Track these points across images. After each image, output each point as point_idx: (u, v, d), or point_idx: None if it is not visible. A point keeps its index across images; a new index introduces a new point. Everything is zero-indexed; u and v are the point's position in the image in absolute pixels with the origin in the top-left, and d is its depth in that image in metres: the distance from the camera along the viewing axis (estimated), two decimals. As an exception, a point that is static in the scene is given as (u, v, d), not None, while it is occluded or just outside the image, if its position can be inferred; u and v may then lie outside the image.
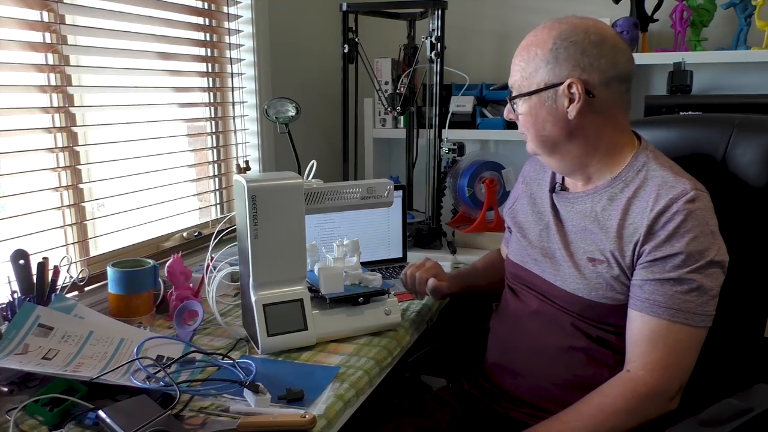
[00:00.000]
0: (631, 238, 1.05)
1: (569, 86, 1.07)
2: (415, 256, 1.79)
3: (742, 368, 1.17)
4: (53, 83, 1.33)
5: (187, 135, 1.79)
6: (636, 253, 1.05)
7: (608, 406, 1.02)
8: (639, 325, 1.04)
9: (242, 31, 1.88)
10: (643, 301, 1.03)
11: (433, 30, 1.80)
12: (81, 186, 1.40)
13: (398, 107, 1.95)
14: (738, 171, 1.17)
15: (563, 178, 1.22)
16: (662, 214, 1.02)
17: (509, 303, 1.28)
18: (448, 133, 1.90)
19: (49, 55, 1.32)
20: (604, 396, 1.04)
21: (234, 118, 1.89)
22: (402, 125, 2.22)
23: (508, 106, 1.17)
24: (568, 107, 1.08)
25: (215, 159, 1.86)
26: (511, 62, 1.14)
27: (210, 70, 1.80)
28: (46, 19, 1.31)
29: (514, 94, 1.14)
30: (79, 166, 1.39)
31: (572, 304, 1.12)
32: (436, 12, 1.79)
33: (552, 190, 1.23)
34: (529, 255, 1.23)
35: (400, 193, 1.72)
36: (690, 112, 1.71)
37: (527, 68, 1.11)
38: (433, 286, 1.37)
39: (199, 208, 1.84)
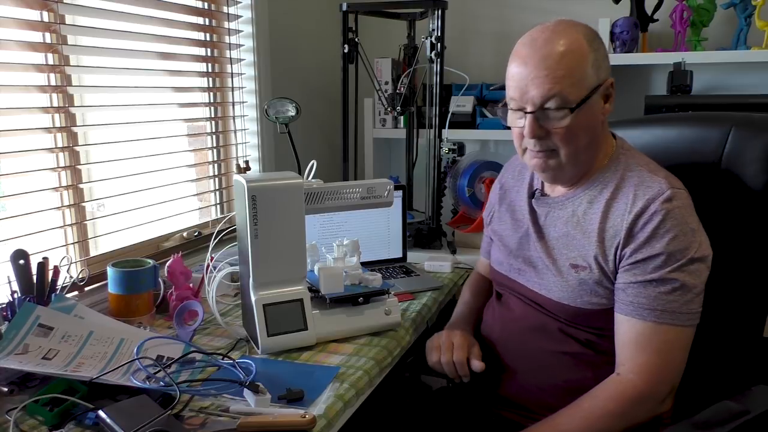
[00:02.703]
0: (612, 242, 1.04)
1: (611, 84, 1.07)
2: (415, 256, 1.80)
3: (741, 368, 1.17)
4: (53, 83, 1.33)
5: (187, 135, 1.79)
6: (617, 257, 1.04)
7: (599, 409, 1.02)
8: (626, 329, 1.03)
9: (242, 31, 1.88)
10: (627, 304, 1.03)
11: (433, 30, 1.80)
12: (81, 186, 1.40)
13: (398, 107, 1.95)
14: (735, 169, 1.17)
15: (542, 183, 1.20)
16: (641, 215, 1.01)
17: (497, 308, 1.27)
18: (448, 133, 1.90)
19: (49, 55, 1.32)
20: (595, 399, 1.04)
21: (234, 118, 1.89)
22: (402, 125, 2.22)
23: (531, 121, 1.03)
24: (605, 105, 1.07)
25: (215, 159, 1.86)
26: (534, 75, 1.02)
27: (210, 70, 1.80)
28: (46, 19, 1.31)
29: (565, 106, 1.01)
30: (79, 166, 1.39)
31: (559, 311, 1.11)
32: (436, 12, 1.79)
33: (531, 196, 1.21)
34: (512, 265, 1.22)
35: (400, 193, 1.72)
36: (690, 112, 1.71)
37: (575, 74, 1.01)
38: (479, 366, 1.16)
39: (199, 208, 1.84)
